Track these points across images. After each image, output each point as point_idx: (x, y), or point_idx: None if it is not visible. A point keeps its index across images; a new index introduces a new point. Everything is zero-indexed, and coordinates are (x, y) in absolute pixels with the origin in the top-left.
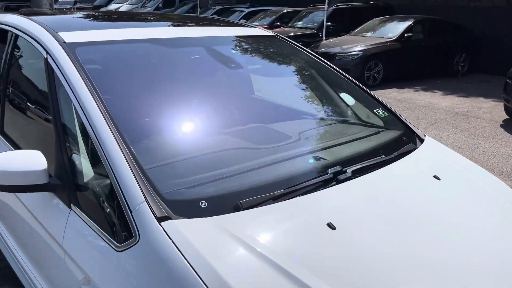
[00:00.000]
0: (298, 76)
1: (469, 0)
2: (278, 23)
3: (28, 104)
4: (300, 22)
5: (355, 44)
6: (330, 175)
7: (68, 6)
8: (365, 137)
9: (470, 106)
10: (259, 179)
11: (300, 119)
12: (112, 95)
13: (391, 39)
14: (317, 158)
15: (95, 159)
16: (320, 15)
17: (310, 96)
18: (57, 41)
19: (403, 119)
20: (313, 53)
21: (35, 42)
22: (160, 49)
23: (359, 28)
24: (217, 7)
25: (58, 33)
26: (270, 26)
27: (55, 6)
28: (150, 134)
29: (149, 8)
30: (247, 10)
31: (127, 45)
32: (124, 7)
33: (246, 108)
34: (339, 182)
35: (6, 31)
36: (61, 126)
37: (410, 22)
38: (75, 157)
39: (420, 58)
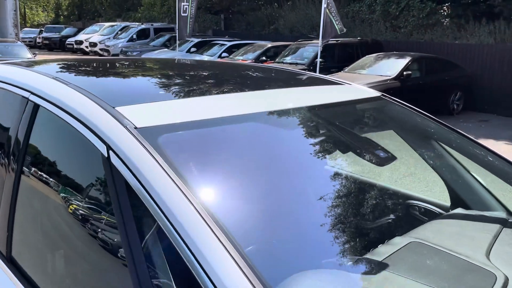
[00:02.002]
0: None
1: (455, 38)
2: (264, 58)
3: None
4: (289, 58)
5: (356, 82)
6: None
7: (33, 36)
8: None
9: None
10: None
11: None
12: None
13: (391, 77)
14: None
15: None
16: (309, 51)
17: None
18: (123, 125)
19: None
20: (432, 117)
21: (78, 124)
22: (269, 129)
23: (353, 65)
24: (196, 40)
25: (116, 108)
26: (256, 61)
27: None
28: None
29: (123, 40)
30: (228, 44)
31: (229, 128)
32: (95, 37)
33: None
34: None
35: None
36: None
37: (408, 60)
38: None
39: (418, 97)
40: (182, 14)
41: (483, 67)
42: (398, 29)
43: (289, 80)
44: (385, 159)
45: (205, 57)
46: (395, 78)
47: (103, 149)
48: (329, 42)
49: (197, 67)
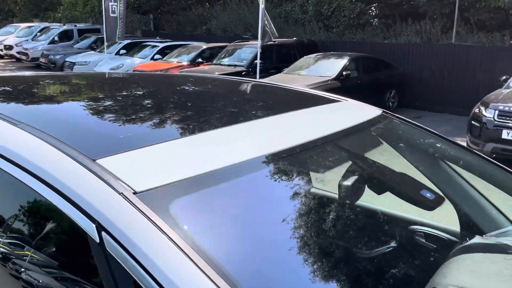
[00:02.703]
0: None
1: (384, 37)
2: (200, 60)
3: None
4: (226, 60)
5: (295, 84)
6: None
7: None
8: None
9: None
10: None
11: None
12: None
13: (331, 77)
14: None
15: None
16: (247, 52)
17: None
18: (116, 191)
19: None
20: (435, 132)
21: (44, 189)
22: (286, 173)
23: (292, 66)
24: (125, 41)
25: (98, 161)
26: (191, 63)
27: None
28: None
29: (43, 42)
30: (161, 45)
31: (246, 179)
32: (11, 40)
33: None
34: None
35: None
36: None
37: (346, 60)
38: None
39: (357, 96)
40: (111, 15)
41: (413, 65)
42: (330, 29)
43: (283, 101)
44: (434, 201)
45: (136, 60)
46: (336, 79)
47: (91, 229)
48: (267, 43)
49: (173, 84)
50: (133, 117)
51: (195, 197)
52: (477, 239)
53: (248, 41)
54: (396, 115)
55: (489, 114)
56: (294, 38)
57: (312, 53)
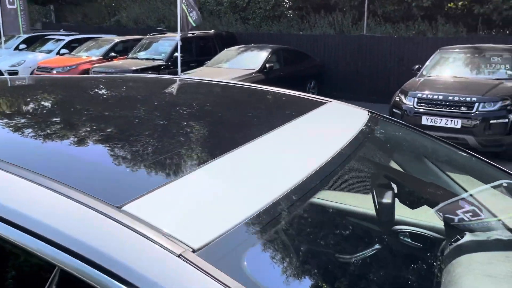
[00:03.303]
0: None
1: (299, 29)
2: (113, 54)
3: None
4: (143, 53)
5: (220, 77)
6: None
7: None
8: None
9: None
10: None
11: None
12: None
13: (255, 70)
14: None
15: None
16: (165, 45)
17: None
18: (168, 250)
19: None
20: (422, 130)
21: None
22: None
23: (214, 58)
24: (25, 35)
25: (125, 208)
26: (104, 58)
27: None
28: None
29: None
30: (67, 38)
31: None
32: None
33: None
34: None
35: None
36: None
37: (268, 52)
38: None
39: (280, 87)
40: (9, 6)
41: (329, 56)
42: (247, 21)
43: (274, 108)
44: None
45: (39, 55)
46: (259, 71)
47: None
48: (187, 34)
49: (168, 91)
50: (140, 140)
51: (263, 240)
52: (468, 237)
53: (164, 34)
54: (382, 114)
55: (408, 102)
56: (212, 31)
57: (231, 46)
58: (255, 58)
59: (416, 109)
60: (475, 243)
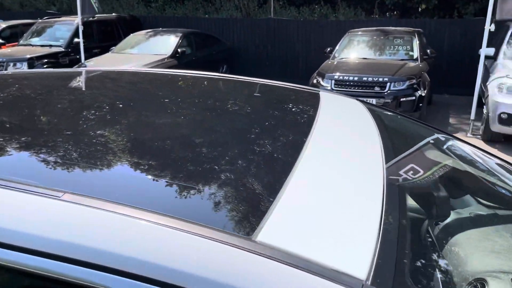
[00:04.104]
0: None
1: (205, 12)
2: (0, 41)
3: None
4: (37, 39)
5: (131, 64)
6: None
7: None
8: None
9: None
10: None
11: None
12: None
13: (167, 55)
14: None
15: None
16: (63, 30)
17: None
18: None
19: None
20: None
21: None
22: None
23: (120, 44)
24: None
25: (259, 239)
26: None
27: None
28: None
29: None
30: None
31: None
32: None
33: None
34: None
35: None
36: None
37: (179, 37)
38: None
39: None
40: None
41: (239, 40)
42: (149, 3)
43: (289, 107)
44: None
45: None
46: (172, 56)
47: None
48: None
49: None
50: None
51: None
52: (452, 216)
53: (59, 17)
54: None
55: (326, 83)
56: (114, 14)
57: (136, 30)
58: (166, 43)
59: (334, 91)
60: (460, 221)
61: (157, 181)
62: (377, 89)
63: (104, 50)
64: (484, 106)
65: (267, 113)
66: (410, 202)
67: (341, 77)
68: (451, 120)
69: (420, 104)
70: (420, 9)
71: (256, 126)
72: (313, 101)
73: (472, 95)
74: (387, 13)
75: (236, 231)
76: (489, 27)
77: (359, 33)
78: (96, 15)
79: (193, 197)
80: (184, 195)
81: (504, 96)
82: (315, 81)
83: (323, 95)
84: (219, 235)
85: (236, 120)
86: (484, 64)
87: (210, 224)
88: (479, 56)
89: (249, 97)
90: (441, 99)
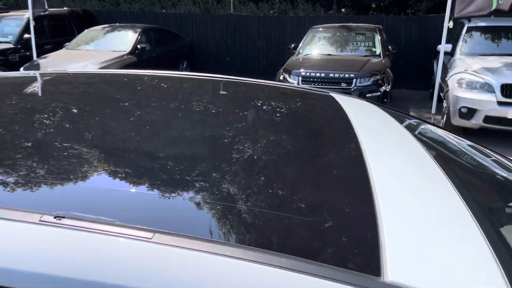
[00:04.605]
0: None
1: (162, 7)
2: None
3: None
4: None
5: (88, 62)
6: None
7: None
8: None
9: None
10: None
11: None
12: None
13: (126, 52)
14: None
15: None
16: (12, 25)
17: None
18: None
19: None
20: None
21: None
22: None
23: (75, 40)
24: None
25: (390, 280)
26: None
27: None
28: None
29: None
30: None
31: None
32: None
33: None
34: None
35: None
36: None
37: (138, 33)
38: None
39: (154, 69)
40: None
41: (198, 35)
42: None
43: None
44: None
45: None
46: (131, 53)
47: None
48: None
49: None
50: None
51: None
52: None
53: (7, 12)
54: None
55: (293, 80)
56: (66, 8)
57: (89, 25)
58: (124, 39)
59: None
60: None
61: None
62: (343, 85)
63: (57, 46)
64: (444, 101)
65: (302, 124)
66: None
67: (308, 74)
68: (412, 114)
69: (385, 100)
70: (374, 6)
71: (304, 140)
72: (335, 105)
73: (428, 89)
74: (344, 9)
75: (357, 269)
76: (447, 24)
77: (322, 29)
78: (47, 10)
79: (289, 229)
80: (279, 228)
81: (464, 91)
82: (281, 77)
83: (337, 97)
84: (341, 275)
85: (281, 135)
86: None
87: (322, 261)
88: (434, 51)
89: (274, 105)
90: (399, 93)
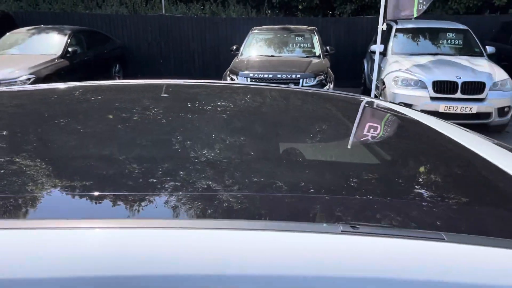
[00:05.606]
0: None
1: (86, 8)
2: None
3: None
4: None
5: (16, 66)
6: None
7: None
8: None
9: None
10: None
11: None
12: None
13: (57, 55)
14: None
15: None
16: None
17: None
18: None
19: None
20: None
21: None
22: None
23: None
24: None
25: None
26: None
27: None
28: None
29: None
30: None
31: None
32: None
33: None
34: None
35: None
36: None
37: (68, 35)
38: None
39: (87, 74)
40: None
41: (129, 37)
42: None
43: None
44: None
45: None
46: (62, 57)
47: None
48: None
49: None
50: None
51: None
52: None
53: None
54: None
55: (241, 81)
56: None
57: (9, 28)
58: (53, 42)
59: None
60: None
61: None
62: (291, 85)
63: None
64: (380, 98)
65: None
66: None
67: (256, 75)
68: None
69: None
70: (300, 7)
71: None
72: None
73: (359, 87)
74: (273, 11)
75: None
76: (382, 26)
77: (263, 31)
78: None
79: None
80: None
81: (400, 88)
82: (229, 79)
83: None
84: None
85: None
86: (371, 58)
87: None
88: (363, 51)
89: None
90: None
